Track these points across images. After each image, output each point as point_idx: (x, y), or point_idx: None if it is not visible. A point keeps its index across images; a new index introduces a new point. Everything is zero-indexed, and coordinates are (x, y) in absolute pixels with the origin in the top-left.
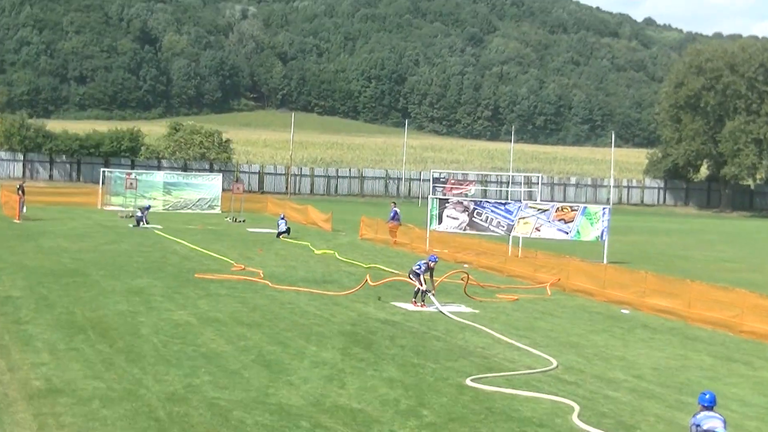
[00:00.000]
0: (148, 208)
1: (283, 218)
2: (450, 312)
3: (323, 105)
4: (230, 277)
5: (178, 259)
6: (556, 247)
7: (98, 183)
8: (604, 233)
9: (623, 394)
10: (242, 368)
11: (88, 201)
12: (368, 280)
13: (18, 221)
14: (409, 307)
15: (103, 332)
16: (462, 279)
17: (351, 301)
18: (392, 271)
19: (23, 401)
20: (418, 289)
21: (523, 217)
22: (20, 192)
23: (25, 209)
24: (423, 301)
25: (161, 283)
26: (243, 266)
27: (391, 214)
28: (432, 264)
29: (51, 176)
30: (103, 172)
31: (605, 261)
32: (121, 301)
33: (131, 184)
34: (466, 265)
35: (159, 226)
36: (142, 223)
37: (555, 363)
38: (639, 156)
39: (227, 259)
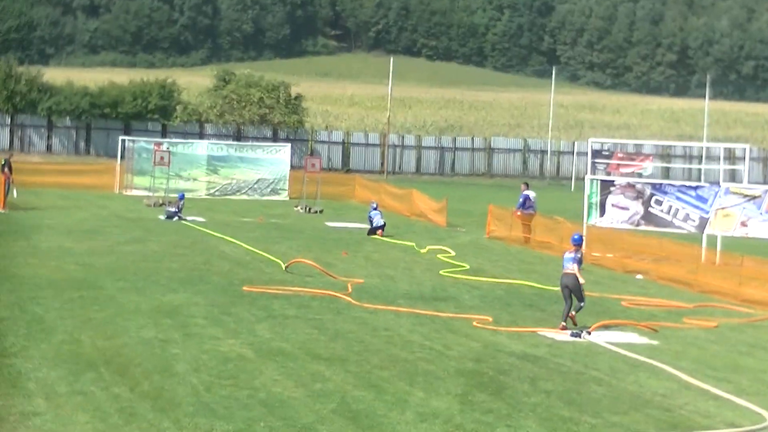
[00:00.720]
0: (182, 197)
1: (375, 207)
2: (613, 343)
3: (434, 46)
4: (301, 290)
5: (227, 266)
6: None
7: (116, 157)
8: None
9: None
10: (318, 422)
11: (102, 182)
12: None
13: (3, 211)
14: (559, 336)
15: (121, 369)
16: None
17: (474, 327)
18: (542, 286)
19: None
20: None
21: (723, 207)
22: (6, 169)
23: (14, 193)
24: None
25: (204, 299)
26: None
27: (521, 200)
28: (577, 248)
29: (49, 147)
30: (123, 141)
31: None
32: (147, 324)
33: (162, 158)
34: (639, 276)
35: (201, 219)
36: (176, 218)
37: None
38: None
39: (311, 263)
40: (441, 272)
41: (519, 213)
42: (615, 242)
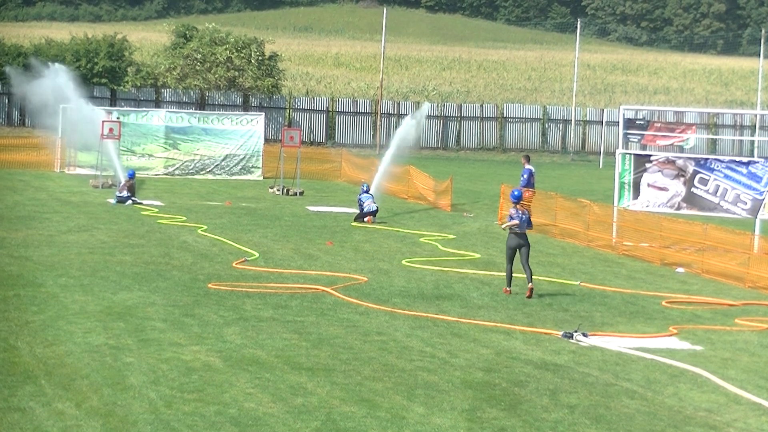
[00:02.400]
0: (132, 176)
1: (367, 190)
2: (648, 350)
3: None
4: (279, 287)
5: (190, 259)
6: None
7: (56, 129)
8: None
9: None
10: None
11: (39, 160)
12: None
13: None
14: (591, 340)
15: (65, 381)
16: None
17: (483, 331)
18: (563, 281)
19: None
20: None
21: None
22: None
23: None
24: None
25: (162, 298)
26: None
27: (525, 176)
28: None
29: None
30: (64, 109)
31: None
32: (95, 328)
33: (111, 130)
34: (680, 270)
35: (158, 203)
36: (129, 202)
37: None
38: None
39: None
40: (404, 261)
41: (527, 192)
42: (652, 229)
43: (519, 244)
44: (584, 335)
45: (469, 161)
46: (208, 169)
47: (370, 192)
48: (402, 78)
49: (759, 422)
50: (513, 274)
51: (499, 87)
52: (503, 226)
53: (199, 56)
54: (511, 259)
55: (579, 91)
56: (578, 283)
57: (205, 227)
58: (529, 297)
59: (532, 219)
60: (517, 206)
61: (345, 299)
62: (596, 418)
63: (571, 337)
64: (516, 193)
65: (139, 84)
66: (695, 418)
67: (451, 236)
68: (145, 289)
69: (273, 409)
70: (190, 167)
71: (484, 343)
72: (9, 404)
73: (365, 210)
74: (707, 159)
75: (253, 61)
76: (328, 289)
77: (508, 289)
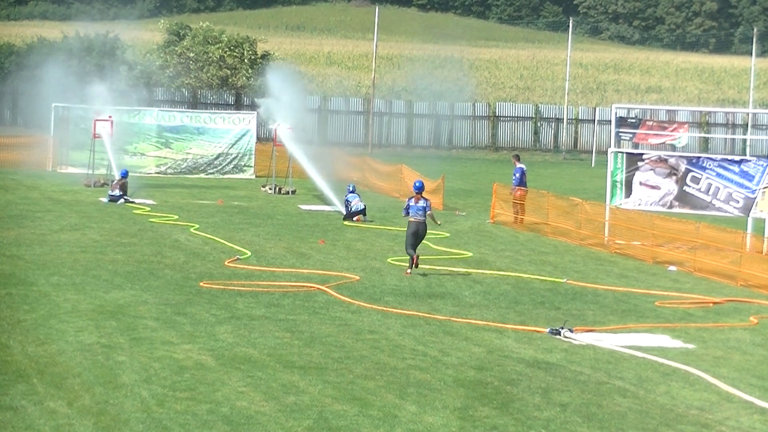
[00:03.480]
0: (125, 175)
1: (352, 190)
2: (641, 348)
3: None
4: (271, 286)
5: (182, 258)
6: None
7: (48, 128)
8: None
9: None
10: None
11: (32, 158)
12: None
13: None
14: (584, 337)
15: (57, 380)
16: None
17: (475, 329)
18: (555, 280)
19: None
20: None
21: None
22: None
23: None
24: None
25: (154, 297)
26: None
27: (517, 175)
28: (421, 196)
29: None
30: (56, 108)
31: None
32: (87, 327)
33: (103, 128)
34: (672, 268)
35: (150, 202)
36: (122, 200)
37: None
38: None
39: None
40: (389, 260)
41: (516, 191)
42: (644, 228)
43: (417, 231)
44: (570, 331)
45: (461, 160)
46: (200, 168)
47: (356, 192)
48: (394, 77)
49: (751, 420)
50: (502, 272)
51: (491, 86)
52: (404, 215)
53: (192, 55)
54: (413, 246)
55: (571, 90)
56: (564, 280)
57: (197, 226)
58: (416, 267)
59: (525, 218)
60: (415, 197)
61: (338, 297)
62: (588, 417)
63: (559, 333)
64: (417, 184)
65: (131, 83)
66: (687, 417)
67: (445, 234)
68: (137, 287)
69: (265, 408)
70: (183, 166)
71: (476, 341)
72: (1, 403)
73: (353, 209)
74: (699, 157)
75: (245, 60)
76: (321, 287)
77: (408, 271)
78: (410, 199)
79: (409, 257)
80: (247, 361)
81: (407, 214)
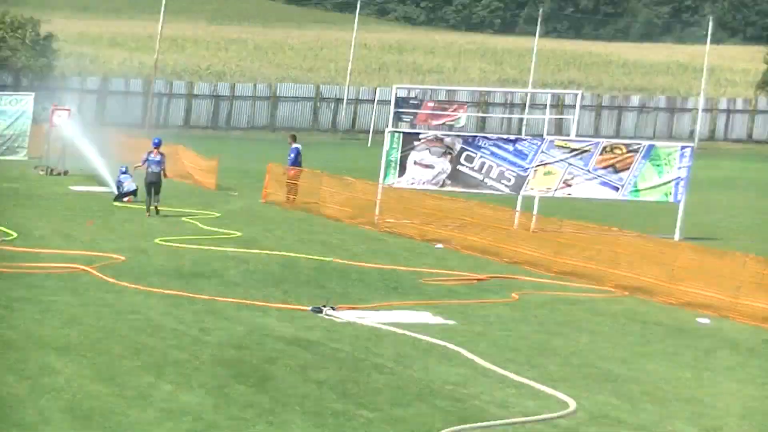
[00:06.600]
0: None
1: (125, 171)
2: (402, 324)
3: None
4: (34, 267)
5: None
6: (598, 213)
7: None
8: (681, 189)
9: None
10: (42, 422)
11: None
12: None
13: None
14: (346, 315)
15: None
16: None
17: (239, 309)
18: (322, 258)
19: None
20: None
21: (545, 163)
22: None
23: None
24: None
25: None
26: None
27: (292, 155)
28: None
29: None
30: None
31: (678, 236)
32: None
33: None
34: (438, 246)
35: None
36: None
37: (573, 406)
38: (752, 58)
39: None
40: (157, 240)
41: (290, 170)
42: (415, 206)
43: (152, 181)
44: (333, 309)
45: (240, 140)
46: None
47: (128, 173)
48: (178, 59)
49: (504, 394)
50: (269, 251)
51: (275, 66)
52: (134, 167)
53: None
54: (149, 192)
55: (354, 71)
56: (330, 259)
57: None
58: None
59: (297, 198)
60: (154, 151)
61: (101, 278)
62: (343, 393)
63: (321, 311)
64: (156, 140)
65: None
66: (442, 391)
67: (216, 214)
68: None
69: (17, 389)
70: None
71: (238, 320)
72: None
73: (124, 190)
74: (475, 137)
75: (27, 41)
76: (85, 268)
77: (147, 214)
78: (149, 153)
79: (146, 202)
80: (2, 343)
81: (145, 163)
